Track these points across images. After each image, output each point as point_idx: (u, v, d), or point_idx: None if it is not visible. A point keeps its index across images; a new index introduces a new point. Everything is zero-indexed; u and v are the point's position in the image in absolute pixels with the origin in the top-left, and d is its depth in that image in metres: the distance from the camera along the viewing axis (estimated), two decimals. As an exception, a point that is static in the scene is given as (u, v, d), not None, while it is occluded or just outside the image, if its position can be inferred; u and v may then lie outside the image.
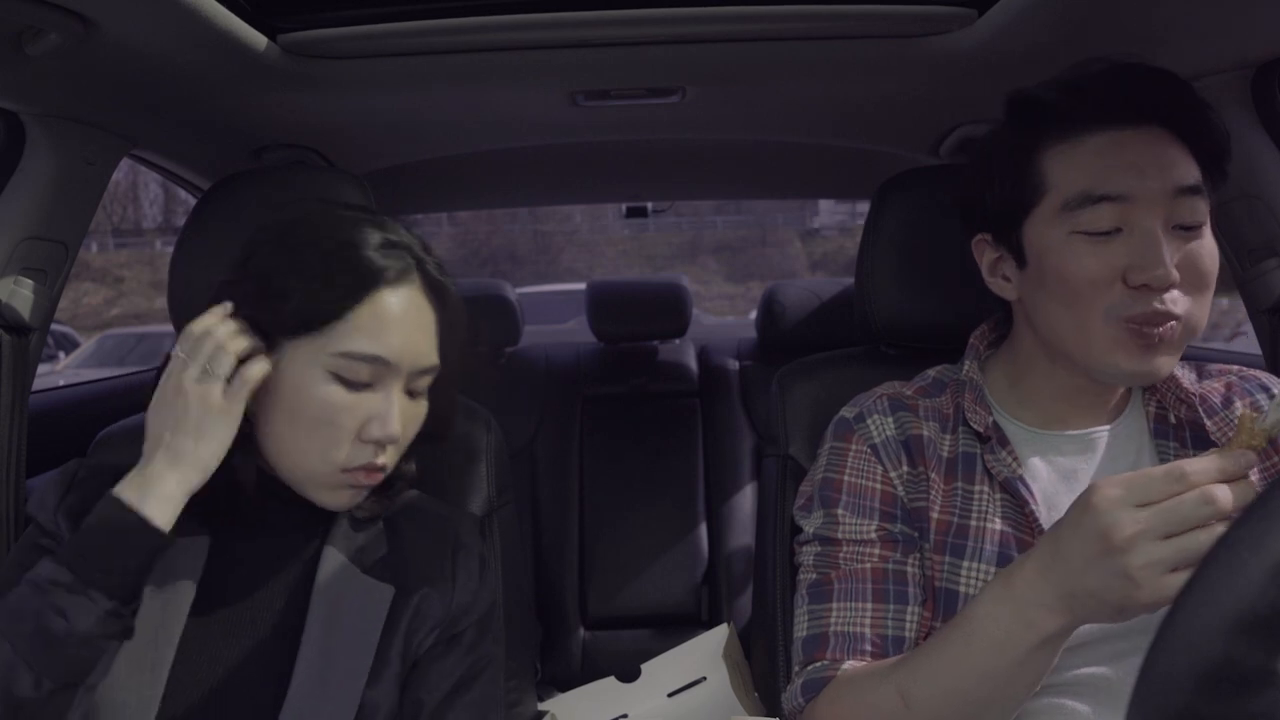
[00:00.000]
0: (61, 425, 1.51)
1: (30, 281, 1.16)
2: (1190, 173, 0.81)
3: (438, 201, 2.54)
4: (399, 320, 0.81)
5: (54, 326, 1.42)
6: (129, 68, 1.04)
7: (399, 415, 0.81)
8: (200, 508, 0.81)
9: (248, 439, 0.81)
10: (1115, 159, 0.81)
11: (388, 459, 0.83)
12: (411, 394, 0.84)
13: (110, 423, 1.15)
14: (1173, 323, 0.79)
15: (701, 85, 1.35)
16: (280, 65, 1.13)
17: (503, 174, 2.01)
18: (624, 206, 2.58)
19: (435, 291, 0.85)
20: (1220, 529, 0.60)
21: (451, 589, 0.87)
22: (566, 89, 1.34)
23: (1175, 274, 0.78)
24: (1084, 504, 0.67)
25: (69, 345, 9.75)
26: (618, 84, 1.33)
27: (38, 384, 1.27)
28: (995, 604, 0.71)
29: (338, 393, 0.79)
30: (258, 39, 1.07)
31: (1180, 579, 0.62)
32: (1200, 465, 0.63)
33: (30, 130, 1.13)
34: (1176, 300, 0.79)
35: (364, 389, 0.80)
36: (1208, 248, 0.81)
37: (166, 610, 0.79)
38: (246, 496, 0.83)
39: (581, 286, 2.67)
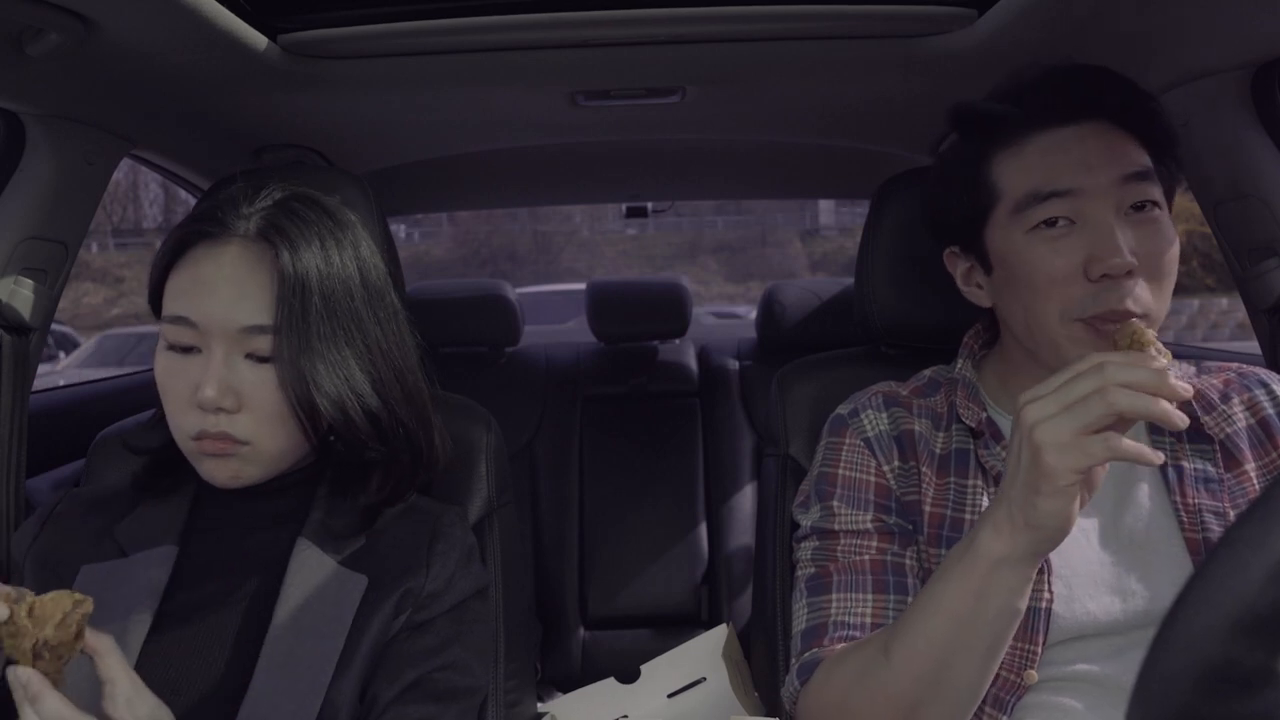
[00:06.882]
0: (61, 425, 1.51)
1: (30, 281, 1.17)
2: (1137, 159, 0.83)
3: (438, 201, 2.54)
4: (207, 280, 0.80)
5: (54, 326, 1.42)
6: (129, 68, 1.04)
7: (219, 378, 0.78)
8: (178, 510, 0.84)
9: None
10: (1059, 156, 0.83)
11: (234, 429, 0.79)
12: (256, 358, 0.80)
13: (110, 423, 1.15)
14: (1133, 320, 0.79)
15: (701, 85, 1.35)
16: (280, 65, 1.13)
17: (503, 174, 2.01)
18: (624, 206, 2.58)
19: (275, 245, 0.80)
20: (1114, 392, 0.63)
21: (425, 575, 0.85)
22: (567, 89, 1.34)
23: (1133, 260, 0.78)
24: None
25: (69, 345, 9.75)
26: (618, 84, 1.33)
27: (38, 384, 1.27)
28: (960, 540, 0.75)
29: (167, 360, 0.81)
30: (258, 39, 1.07)
31: (1085, 446, 0.64)
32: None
33: (30, 130, 1.13)
34: (1138, 297, 0.79)
35: (193, 354, 0.80)
36: (1164, 229, 0.82)
37: (127, 631, 0.78)
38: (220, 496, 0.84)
39: (581, 286, 2.67)
